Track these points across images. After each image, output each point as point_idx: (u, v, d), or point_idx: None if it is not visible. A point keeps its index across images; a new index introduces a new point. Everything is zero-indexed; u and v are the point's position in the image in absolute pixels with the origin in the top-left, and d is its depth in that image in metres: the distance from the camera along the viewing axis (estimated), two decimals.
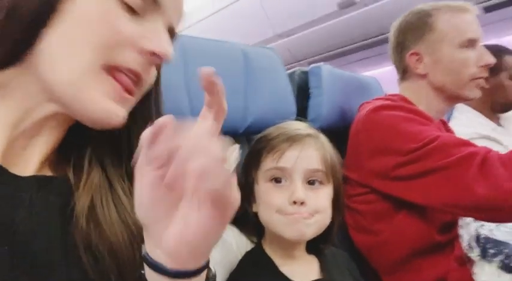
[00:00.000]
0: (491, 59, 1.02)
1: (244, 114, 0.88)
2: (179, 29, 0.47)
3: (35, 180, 0.41)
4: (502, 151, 1.33)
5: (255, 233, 0.74)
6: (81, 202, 0.42)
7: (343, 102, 1.17)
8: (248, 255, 0.70)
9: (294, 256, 0.69)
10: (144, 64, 0.41)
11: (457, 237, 0.96)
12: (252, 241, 0.74)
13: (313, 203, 0.63)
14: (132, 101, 0.43)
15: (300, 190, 0.62)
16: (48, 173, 0.44)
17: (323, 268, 0.69)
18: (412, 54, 1.04)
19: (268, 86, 0.93)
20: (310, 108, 1.10)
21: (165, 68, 0.49)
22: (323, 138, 0.70)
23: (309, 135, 0.67)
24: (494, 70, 1.60)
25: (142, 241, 0.34)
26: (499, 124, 1.55)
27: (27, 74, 0.38)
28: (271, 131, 0.69)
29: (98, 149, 0.47)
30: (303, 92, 1.11)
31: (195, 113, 0.79)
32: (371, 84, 1.34)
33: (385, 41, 2.55)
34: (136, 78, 0.41)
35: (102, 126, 0.41)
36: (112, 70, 0.39)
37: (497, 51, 1.68)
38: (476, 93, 1.02)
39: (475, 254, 0.90)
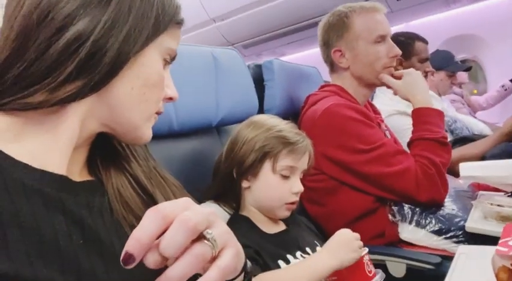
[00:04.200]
0: (398, 51, 1.23)
1: (216, 109, 1.00)
2: None
3: (88, 185, 0.49)
4: None
5: (232, 206, 0.90)
6: (109, 192, 0.51)
7: (291, 92, 1.34)
8: (230, 221, 0.86)
9: (270, 221, 0.88)
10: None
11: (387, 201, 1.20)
12: (228, 213, 0.90)
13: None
14: None
15: (300, 184, 0.84)
16: (87, 176, 0.52)
17: (288, 224, 0.90)
18: (335, 51, 1.24)
19: (234, 83, 1.05)
20: (266, 99, 1.25)
21: None
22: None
23: (308, 143, 0.87)
24: (407, 55, 1.87)
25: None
26: None
27: (98, 103, 0.46)
28: (289, 135, 0.84)
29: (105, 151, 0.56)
30: (257, 84, 1.25)
31: (178, 113, 0.90)
32: (312, 74, 1.53)
33: (311, 25, 2.76)
34: None
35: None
36: None
37: (409, 38, 1.96)
38: None
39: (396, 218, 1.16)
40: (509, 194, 1.13)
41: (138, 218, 0.48)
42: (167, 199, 0.55)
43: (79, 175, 0.50)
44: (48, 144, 0.44)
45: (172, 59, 0.53)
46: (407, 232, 1.13)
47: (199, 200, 0.87)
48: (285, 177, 0.83)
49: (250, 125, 0.87)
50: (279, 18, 2.78)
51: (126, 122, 0.49)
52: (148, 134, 0.52)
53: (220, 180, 0.88)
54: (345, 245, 0.75)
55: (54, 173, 0.43)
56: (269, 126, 0.85)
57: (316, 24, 1.34)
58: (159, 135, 0.84)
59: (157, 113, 0.53)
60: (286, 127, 0.86)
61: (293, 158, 0.83)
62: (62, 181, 0.44)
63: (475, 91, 3.41)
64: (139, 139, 0.52)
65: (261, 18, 2.79)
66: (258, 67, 1.30)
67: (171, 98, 0.54)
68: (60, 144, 0.45)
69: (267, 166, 0.83)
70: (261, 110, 1.24)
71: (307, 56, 3.38)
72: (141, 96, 0.48)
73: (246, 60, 1.17)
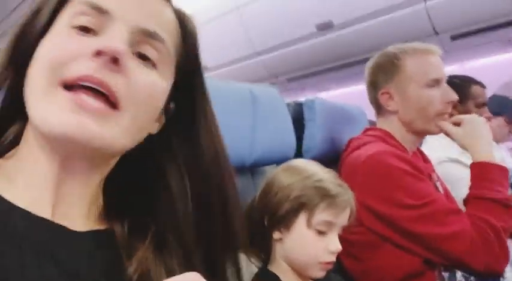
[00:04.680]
0: (454, 96, 1.12)
1: (250, 148, 0.94)
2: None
3: (90, 235, 0.44)
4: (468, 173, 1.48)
5: (261, 257, 0.82)
6: (133, 267, 0.43)
7: (333, 133, 1.26)
8: (257, 278, 0.78)
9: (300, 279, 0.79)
10: (99, 68, 0.38)
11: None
12: (256, 266, 0.82)
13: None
14: (115, 114, 0.40)
15: (338, 242, 0.75)
16: (96, 225, 0.46)
17: None
18: (383, 93, 1.14)
19: (272, 122, 1.00)
20: (305, 139, 1.18)
21: None
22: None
23: (350, 197, 0.79)
24: (462, 99, 1.74)
25: None
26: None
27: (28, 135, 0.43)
28: (329, 186, 0.76)
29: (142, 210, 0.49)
30: (297, 123, 1.19)
31: None
32: (356, 114, 1.44)
33: (358, 62, 2.70)
34: (102, 87, 0.38)
35: (80, 144, 0.38)
36: (73, 87, 0.38)
37: (465, 81, 1.84)
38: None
39: None
40: None
41: None
42: None
43: (84, 222, 0.45)
44: (34, 183, 0.42)
45: (95, 10, 0.40)
46: None
47: None
48: (322, 233, 0.74)
49: (288, 169, 0.81)
50: (324, 54, 2.74)
51: (30, 110, 0.40)
52: (55, 115, 0.38)
53: (250, 227, 0.81)
54: None
55: (52, 222, 0.41)
56: (308, 174, 0.78)
57: (363, 61, 1.27)
58: None
59: (72, 83, 0.38)
60: (327, 177, 0.78)
61: (332, 213, 0.74)
62: (60, 230, 0.41)
63: None
64: (43, 123, 0.38)
65: (306, 53, 2.76)
66: (299, 105, 1.24)
67: (99, 52, 0.38)
68: (42, 183, 0.42)
69: (301, 218, 0.74)
70: (299, 151, 1.17)
71: (352, 93, 3.30)
72: (31, 73, 0.41)
73: (288, 94, 1.11)
